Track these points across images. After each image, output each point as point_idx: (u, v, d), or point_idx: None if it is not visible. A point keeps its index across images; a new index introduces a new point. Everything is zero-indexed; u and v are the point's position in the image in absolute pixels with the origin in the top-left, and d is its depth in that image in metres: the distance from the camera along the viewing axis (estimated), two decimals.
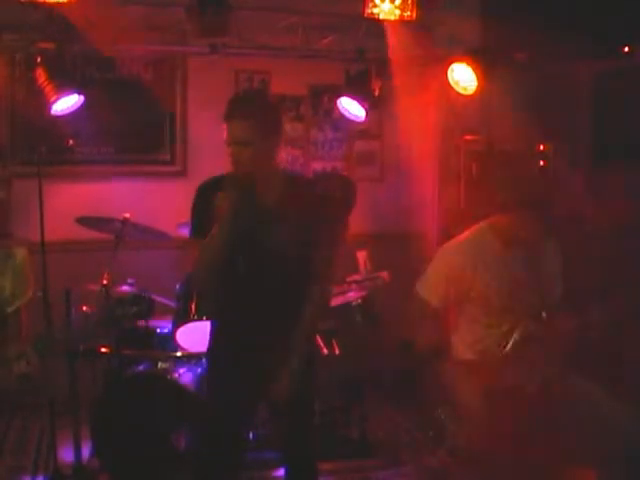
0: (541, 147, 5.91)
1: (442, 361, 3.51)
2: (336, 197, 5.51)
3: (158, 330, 4.97)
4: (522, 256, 3.58)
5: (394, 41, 5.64)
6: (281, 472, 3.82)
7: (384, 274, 5.61)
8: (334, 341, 5.42)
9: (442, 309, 3.56)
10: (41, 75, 5.04)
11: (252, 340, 3.37)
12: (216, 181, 3.43)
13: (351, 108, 5.83)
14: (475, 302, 3.53)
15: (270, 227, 3.34)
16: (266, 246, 3.34)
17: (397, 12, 5.14)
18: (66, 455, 4.73)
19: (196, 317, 4.87)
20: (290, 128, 6.45)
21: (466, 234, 3.64)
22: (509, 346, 3.50)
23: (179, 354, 4.83)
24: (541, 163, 5.78)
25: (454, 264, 3.53)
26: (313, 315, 3.47)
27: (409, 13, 5.17)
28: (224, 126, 3.32)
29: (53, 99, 5.06)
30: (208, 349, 3.62)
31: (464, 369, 3.47)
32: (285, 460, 3.73)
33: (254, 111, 3.31)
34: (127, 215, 4.89)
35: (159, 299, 5.24)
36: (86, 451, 4.73)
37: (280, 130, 3.43)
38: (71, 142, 5.61)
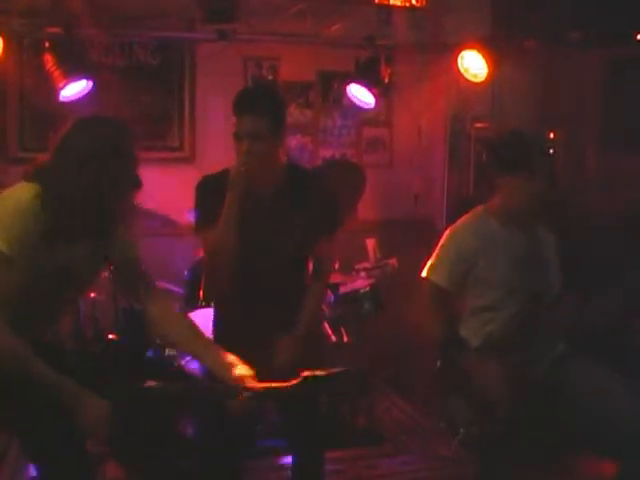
0: (551, 135, 5.89)
1: (454, 348, 3.50)
2: (343, 186, 5.51)
3: None
4: (522, 237, 3.58)
5: (404, 28, 5.62)
6: (288, 460, 3.82)
7: (393, 261, 5.61)
8: (343, 328, 5.42)
9: (453, 292, 3.54)
10: (49, 60, 5.03)
11: (254, 332, 3.36)
12: (218, 176, 3.42)
13: (360, 95, 5.81)
14: (480, 284, 3.52)
15: (270, 220, 3.34)
16: (266, 239, 3.34)
17: None
18: None
19: (204, 303, 4.86)
20: (299, 115, 6.44)
21: (466, 217, 3.65)
22: (513, 329, 3.49)
23: None
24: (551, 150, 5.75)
25: (461, 245, 3.53)
26: (317, 302, 3.56)
27: (419, 0, 5.15)
28: (234, 118, 3.30)
29: (61, 84, 5.05)
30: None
31: (475, 356, 3.46)
32: (292, 448, 3.73)
33: (268, 105, 3.29)
34: (135, 201, 4.89)
35: (167, 285, 5.24)
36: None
37: (286, 124, 3.42)
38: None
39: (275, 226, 3.35)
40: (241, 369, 2.91)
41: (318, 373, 2.79)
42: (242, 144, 3.25)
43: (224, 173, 3.41)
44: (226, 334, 3.50)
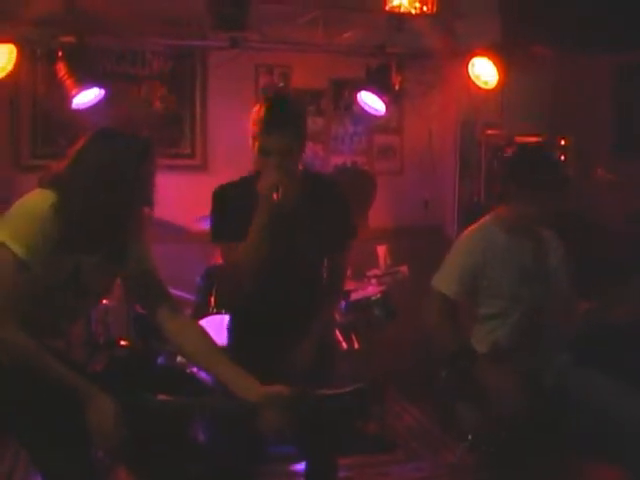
0: (562, 141, 5.89)
1: (463, 356, 3.51)
2: (354, 193, 5.52)
3: None
4: (529, 246, 3.60)
5: (415, 35, 5.64)
6: (301, 467, 3.83)
7: (404, 268, 5.61)
8: (353, 335, 5.42)
9: (460, 302, 3.56)
10: (62, 69, 5.06)
11: (270, 340, 3.38)
12: (237, 185, 3.45)
13: (371, 102, 5.83)
14: (487, 293, 3.54)
15: (290, 231, 3.34)
16: (286, 249, 3.34)
17: (417, 6, 5.14)
18: None
19: (216, 310, 4.88)
20: (311, 122, 6.40)
21: (474, 227, 3.68)
22: (518, 336, 3.51)
23: None
24: (562, 157, 5.76)
25: (468, 256, 3.55)
26: (328, 320, 3.59)
27: (429, 7, 5.16)
28: (254, 130, 3.30)
29: (74, 93, 5.08)
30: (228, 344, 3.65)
31: (482, 362, 3.47)
32: (304, 455, 3.74)
33: (297, 121, 3.32)
34: (147, 208, 4.90)
35: (179, 292, 5.26)
36: None
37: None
38: None
39: (295, 236, 3.36)
40: (259, 387, 2.90)
41: (331, 392, 2.81)
42: (270, 159, 3.23)
43: (243, 182, 3.43)
44: (242, 342, 3.52)
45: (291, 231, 3.34)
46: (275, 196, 3.19)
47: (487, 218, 3.68)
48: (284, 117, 3.29)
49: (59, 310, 2.88)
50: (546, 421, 3.42)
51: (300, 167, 3.43)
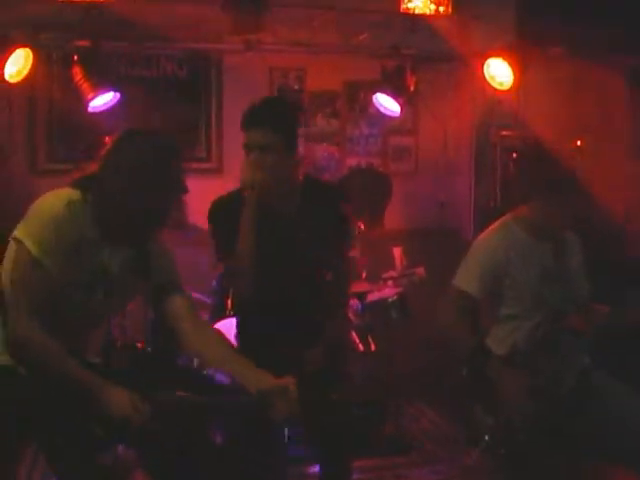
0: (578, 142, 5.87)
1: (481, 356, 3.49)
2: (370, 195, 5.53)
3: None
4: (549, 247, 3.58)
5: (429, 37, 5.63)
6: (315, 469, 3.82)
7: (420, 270, 5.59)
8: (370, 337, 5.42)
9: (481, 300, 3.54)
10: (78, 73, 5.09)
11: (276, 343, 3.40)
12: (229, 198, 3.51)
13: (386, 104, 5.83)
14: (508, 294, 3.52)
15: (288, 238, 3.36)
16: (285, 253, 3.36)
17: (432, 7, 5.13)
18: None
19: (232, 313, 4.88)
20: (326, 124, 6.46)
21: (495, 225, 3.65)
22: (538, 338, 3.49)
23: None
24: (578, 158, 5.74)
25: (491, 254, 3.52)
26: (337, 329, 3.59)
27: (444, 8, 5.16)
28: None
29: (90, 97, 5.11)
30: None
31: (501, 364, 3.46)
32: (319, 458, 3.73)
33: (276, 117, 3.33)
34: None
35: (195, 295, 5.27)
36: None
37: (297, 138, 3.43)
38: (106, 139, 5.64)
39: (293, 241, 3.37)
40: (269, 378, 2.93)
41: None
42: (250, 156, 3.30)
43: (234, 193, 3.45)
44: (249, 345, 3.53)
45: (289, 235, 3.36)
46: (248, 192, 3.25)
47: (507, 217, 3.65)
48: (262, 114, 3.33)
49: (81, 313, 2.89)
50: (563, 424, 3.41)
51: (300, 172, 3.46)
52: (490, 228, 3.66)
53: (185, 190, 2.99)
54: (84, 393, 2.72)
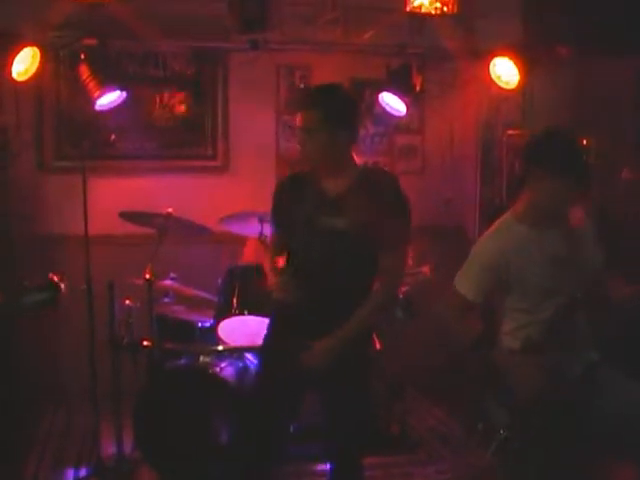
0: (584, 142, 5.85)
1: (489, 351, 3.49)
2: None
3: (200, 324, 5.00)
4: (554, 234, 3.50)
5: (435, 35, 5.63)
6: (326, 467, 3.82)
7: (425, 269, 5.60)
8: (375, 336, 5.42)
9: (480, 302, 3.53)
10: (85, 71, 5.10)
11: (307, 328, 3.41)
12: (290, 178, 3.68)
13: (392, 103, 5.83)
14: (514, 289, 3.50)
15: (332, 218, 3.38)
16: (326, 235, 3.38)
17: (438, 6, 5.12)
18: (108, 447, 4.80)
19: (238, 311, 4.89)
20: None
21: (492, 227, 3.60)
22: (551, 331, 3.46)
23: (220, 348, 4.85)
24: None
25: (487, 256, 3.50)
26: (371, 310, 3.49)
27: (451, 7, 5.15)
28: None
29: (96, 95, 5.11)
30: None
31: (511, 358, 3.45)
32: (329, 455, 3.72)
33: (322, 100, 3.42)
34: (170, 210, 4.92)
35: (201, 293, 5.28)
36: (128, 443, 4.79)
37: (353, 123, 3.52)
38: (113, 137, 5.67)
39: (340, 226, 3.37)
40: None
41: None
42: (299, 136, 3.45)
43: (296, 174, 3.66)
44: (282, 328, 3.55)
45: (334, 219, 3.38)
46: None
47: (506, 215, 3.60)
48: (310, 97, 3.54)
49: None
50: (570, 414, 3.40)
51: (357, 161, 3.57)
52: (489, 230, 3.62)
53: None
54: None
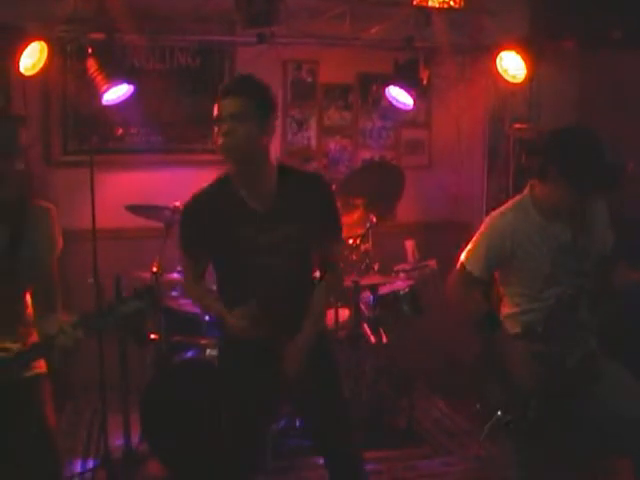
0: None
1: (487, 328, 3.49)
2: (382, 188, 5.53)
3: (207, 317, 5.01)
4: (564, 224, 3.49)
5: (442, 29, 5.62)
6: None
7: (432, 263, 5.61)
8: (381, 330, 5.44)
9: (486, 279, 3.53)
10: (92, 65, 5.11)
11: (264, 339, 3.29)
12: (198, 202, 3.48)
13: (399, 97, 5.83)
14: (519, 273, 3.50)
15: (279, 228, 3.27)
16: (267, 247, 3.26)
17: (445, 0, 5.12)
18: (116, 439, 4.82)
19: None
20: (339, 117, 6.47)
21: (507, 205, 3.58)
22: (553, 318, 3.45)
23: None
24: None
25: (498, 235, 3.49)
26: (327, 297, 3.53)
27: (457, 1, 5.16)
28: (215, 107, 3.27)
29: (104, 89, 5.12)
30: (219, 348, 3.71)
31: (511, 342, 3.45)
32: (324, 456, 3.66)
33: (249, 87, 3.25)
34: (177, 203, 4.93)
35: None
36: (136, 436, 4.81)
37: (274, 118, 3.33)
38: (120, 131, 5.68)
39: (273, 230, 3.27)
40: None
41: None
42: (222, 126, 3.22)
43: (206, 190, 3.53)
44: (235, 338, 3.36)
45: (267, 223, 3.26)
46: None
47: (521, 197, 3.57)
48: (236, 85, 3.32)
49: None
50: (569, 401, 3.41)
51: (274, 162, 3.39)
52: (505, 206, 3.57)
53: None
54: None
